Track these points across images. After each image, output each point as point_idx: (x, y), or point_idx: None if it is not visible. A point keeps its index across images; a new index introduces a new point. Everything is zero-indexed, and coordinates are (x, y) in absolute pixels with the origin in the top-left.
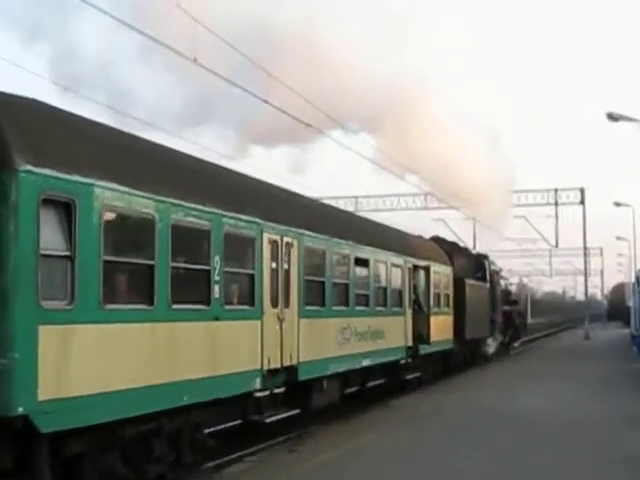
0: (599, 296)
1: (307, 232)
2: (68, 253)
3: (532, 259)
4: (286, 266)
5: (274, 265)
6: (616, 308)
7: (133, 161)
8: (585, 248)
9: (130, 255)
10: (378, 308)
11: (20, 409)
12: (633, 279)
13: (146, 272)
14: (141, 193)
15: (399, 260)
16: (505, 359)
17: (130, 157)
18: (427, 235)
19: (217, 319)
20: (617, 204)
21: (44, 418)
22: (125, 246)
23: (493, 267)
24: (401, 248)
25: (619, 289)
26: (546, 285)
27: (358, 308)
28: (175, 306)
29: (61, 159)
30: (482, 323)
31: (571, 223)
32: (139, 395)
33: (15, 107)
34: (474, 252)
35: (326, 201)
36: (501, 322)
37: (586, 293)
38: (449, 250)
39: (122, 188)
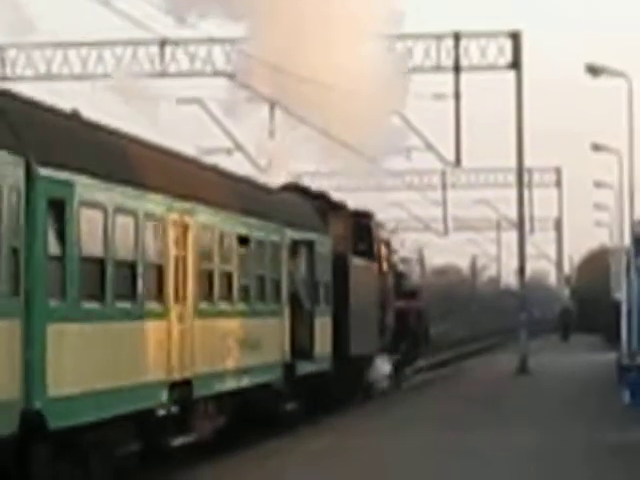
0: (553, 278)
1: (200, 206)
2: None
3: (399, 194)
4: (183, 251)
5: (175, 251)
6: (588, 305)
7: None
8: (520, 168)
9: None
10: (258, 306)
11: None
12: (629, 240)
13: (99, 266)
14: (95, 181)
15: (276, 235)
16: (391, 400)
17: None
18: None
19: (141, 318)
20: (591, 69)
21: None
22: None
23: (381, 233)
24: (276, 214)
25: (595, 263)
26: (437, 253)
27: (240, 306)
28: (118, 304)
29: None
30: (370, 330)
31: (488, 113)
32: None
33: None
34: (350, 209)
35: None
36: (393, 328)
37: (522, 270)
38: (321, 208)
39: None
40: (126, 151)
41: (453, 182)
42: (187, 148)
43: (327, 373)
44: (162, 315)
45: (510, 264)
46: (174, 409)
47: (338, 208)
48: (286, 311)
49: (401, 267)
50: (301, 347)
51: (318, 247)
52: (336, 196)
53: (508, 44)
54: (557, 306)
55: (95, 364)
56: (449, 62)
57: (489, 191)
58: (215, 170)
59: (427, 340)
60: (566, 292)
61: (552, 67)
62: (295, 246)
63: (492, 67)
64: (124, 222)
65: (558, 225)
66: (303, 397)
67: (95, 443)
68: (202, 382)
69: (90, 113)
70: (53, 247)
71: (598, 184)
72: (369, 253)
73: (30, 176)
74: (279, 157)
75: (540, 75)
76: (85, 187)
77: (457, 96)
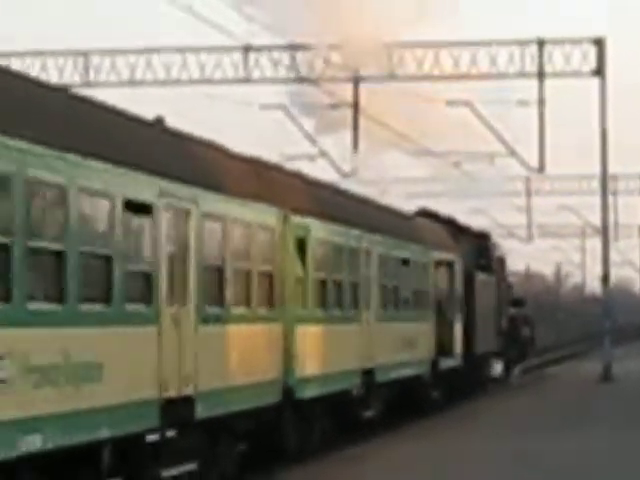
0: (639, 285)
1: (380, 237)
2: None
3: (483, 200)
4: (369, 271)
5: (365, 272)
6: None
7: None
8: (604, 174)
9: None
10: (414, 313)
11: None
12: None
13: (323, 284)
14: (324, 224)
15: (425, 256)
16: (501, 394)
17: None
18: None
19: (348, 321)
20: None
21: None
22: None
23: (498, 251)
24: (424, 239)
25: None
26: (519, 259)
27: (403, 313)
28: (334, 311)
29: None
30: (490, 333)
31: (572, 119)
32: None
33: None
34: (473, 231)
35: None
36: (505, 332)
37: (606, 277)
38: (452, 231)
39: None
40: (326, 196)
41: (537, 188)
42: (271, 155)
43: (460, 368)
44: (358, 319)
45: (595, 271)
46: (362, 391)
47: (464, 231)
48: (433, 317)
49: (511, 279)
50: (443, 346)
51: (454, 265)
52: (421, 202)
53: (592, 51)
54: None
55: (321, 354)
56: (533, 68)
57: (573, 198)
58: (375, 204)
59: (533, 343)
60: None
61: (637, 72)
62: (438, 265)
63: (576, 74)
64: (337, 253)
65: None
66: (443, 388)
67: (317, 412)
68: (381, 371)
69: (174, 120)
70: (298, 271)
71: None
72: (488, 268)
73: (285, 222)
74: (363, 164)
75: (625, 80)
76: (317, 229)
77: (541, 102)
